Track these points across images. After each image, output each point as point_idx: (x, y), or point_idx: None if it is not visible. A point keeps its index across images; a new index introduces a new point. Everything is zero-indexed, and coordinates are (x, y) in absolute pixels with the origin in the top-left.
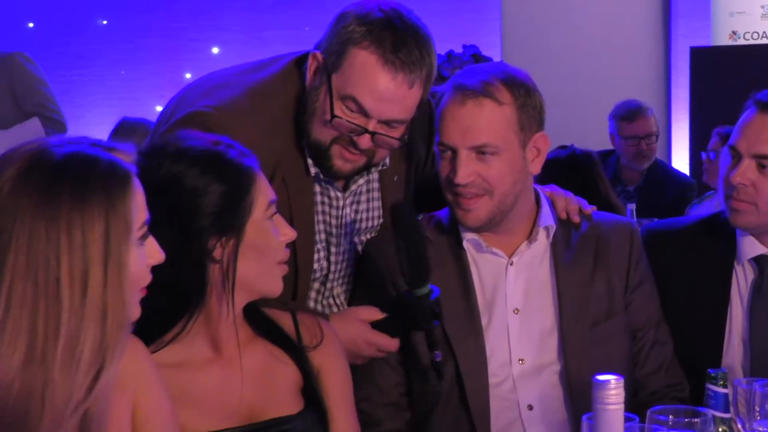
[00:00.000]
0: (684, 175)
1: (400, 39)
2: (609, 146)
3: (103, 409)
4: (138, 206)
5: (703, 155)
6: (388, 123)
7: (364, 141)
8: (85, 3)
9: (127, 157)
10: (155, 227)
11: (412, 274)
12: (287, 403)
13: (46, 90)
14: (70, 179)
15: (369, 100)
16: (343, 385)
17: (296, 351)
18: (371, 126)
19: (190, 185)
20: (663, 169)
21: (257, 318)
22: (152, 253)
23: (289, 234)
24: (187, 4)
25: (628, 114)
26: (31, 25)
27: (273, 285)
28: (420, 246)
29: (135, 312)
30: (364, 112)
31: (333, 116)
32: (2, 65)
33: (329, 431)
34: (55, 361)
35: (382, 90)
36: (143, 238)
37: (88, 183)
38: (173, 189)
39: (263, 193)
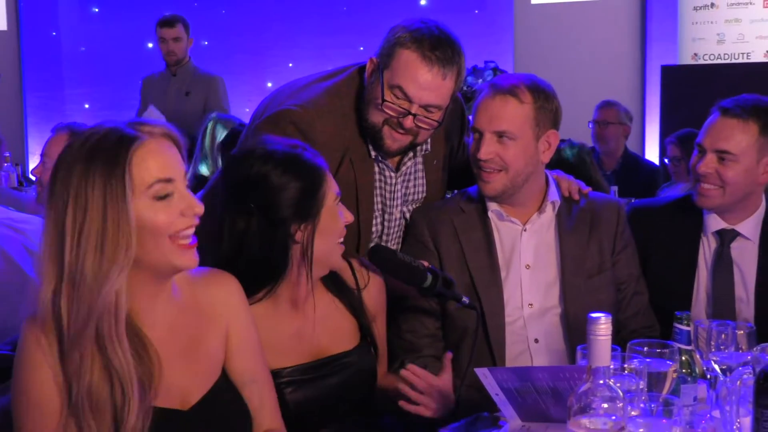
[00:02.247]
0: (651, 162)
1: (436, 41)
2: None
3: (112, 326)
4: (145, 168)
5: (666, 162)
6: (426, 107)
7: (408, 121)
8: (192, 27)
9: (154, 129)
10: (247, 214)
11: (412, 282)
12: (347, 341)
13: (227, 109)
14: (83, 152)
15: (411, 88)
16: (384, 324)
17: (352, 297)
18: (413, 109)
19: (275, 183)
20: (634, 158)
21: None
22: (190, 205)
23: (350, 218)
24: (269, 30)
25: (601, 104)
26: (150, 45)
27: (337, 260)
28: (400, 263)
29: (165, 251)
30: (407, 98)
31: (383, 100)
32: (205, 82)
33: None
34: (63, 288)
35: (421, 80)
36: (166, 196)
37: (94, 153)
38: (262, 185)
39: (332, 187)
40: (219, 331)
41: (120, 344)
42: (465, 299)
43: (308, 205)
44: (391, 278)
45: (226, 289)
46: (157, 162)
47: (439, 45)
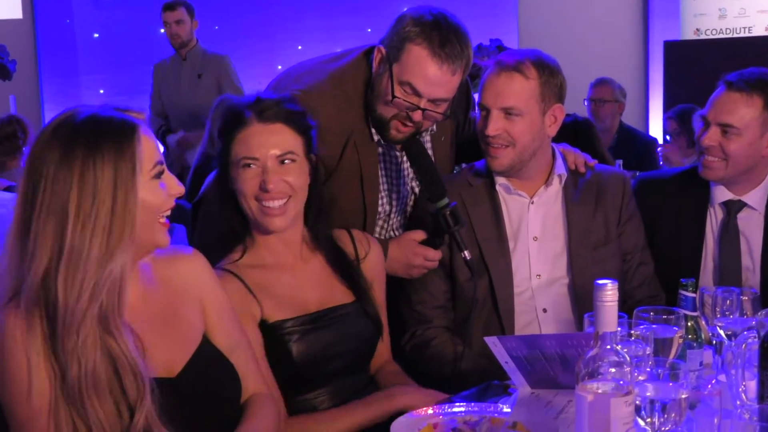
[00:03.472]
0: (646, 134)
1: (445, 37)
2: None
3: (115, 304)
4: (147, 151)
5: (665, 138)
6: (434, 101)
7: (417, 115)
8: (202, 13)
9: (139, 115)
10: None
11: (429, 191)
12: (342, 297)
13: (239, 87)
14: (84, 136)
15: (421, 85)
16: (382, 292)
17: (347, 266)
18: (422, 104)
19: None
20: (628, 132)
21: (323, 237)
22: (172, 185)
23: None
24: (279, 13)
25: (595, 82)
26: (162, 30)
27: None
28: (431, 170)
29: (153, 229)
30: (417, 94)
31: (393, 96)
32: (215, 62)
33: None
34: (61, 268)
35: (431, 77)
36: (158, 175)
37: (99, 137)
38: None
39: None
40: (193, 302)
41: (122, 323)
42: (465, 253)
43: None
44: None
45: (193, 265)
46: (152, 144)
47: (448, 41)
